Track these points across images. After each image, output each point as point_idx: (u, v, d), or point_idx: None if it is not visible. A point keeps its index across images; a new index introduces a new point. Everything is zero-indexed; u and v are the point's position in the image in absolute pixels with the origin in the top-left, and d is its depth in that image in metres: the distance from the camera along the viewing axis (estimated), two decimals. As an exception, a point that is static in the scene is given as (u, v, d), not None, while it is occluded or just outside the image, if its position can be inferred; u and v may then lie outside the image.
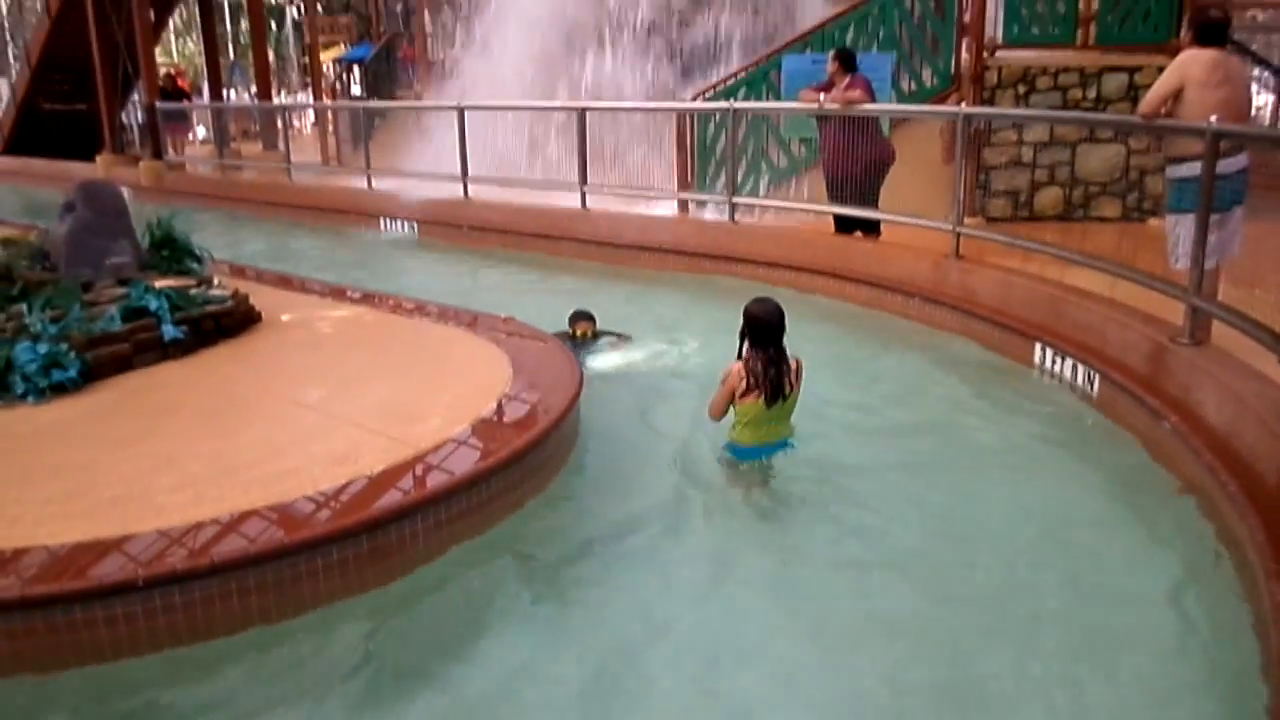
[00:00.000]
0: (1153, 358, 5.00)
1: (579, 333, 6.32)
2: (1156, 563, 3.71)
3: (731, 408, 4.46)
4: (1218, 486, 3.88)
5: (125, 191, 6.95)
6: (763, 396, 4.34)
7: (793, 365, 4.45)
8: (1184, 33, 5.47)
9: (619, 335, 6.52)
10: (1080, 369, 5.45)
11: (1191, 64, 5.09)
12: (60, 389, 4.70)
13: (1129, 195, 8.87)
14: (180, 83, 20.75)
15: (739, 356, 4.44)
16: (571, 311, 6.48)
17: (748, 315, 4.44)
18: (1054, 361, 5.69)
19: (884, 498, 4.27)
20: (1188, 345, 4.81)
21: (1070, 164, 8.89)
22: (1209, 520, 3.93)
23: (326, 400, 4.61)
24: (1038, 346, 5.83)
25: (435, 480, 3.69)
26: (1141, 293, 5.44)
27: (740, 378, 4.35)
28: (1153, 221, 8.33)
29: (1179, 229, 5.10)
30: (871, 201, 8.02)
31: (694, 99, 10.21)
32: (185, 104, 19.20)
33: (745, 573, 3.69)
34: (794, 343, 4.51)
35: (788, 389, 4.41)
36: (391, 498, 3.54)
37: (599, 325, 6.46)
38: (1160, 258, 5.36)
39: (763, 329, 4.39)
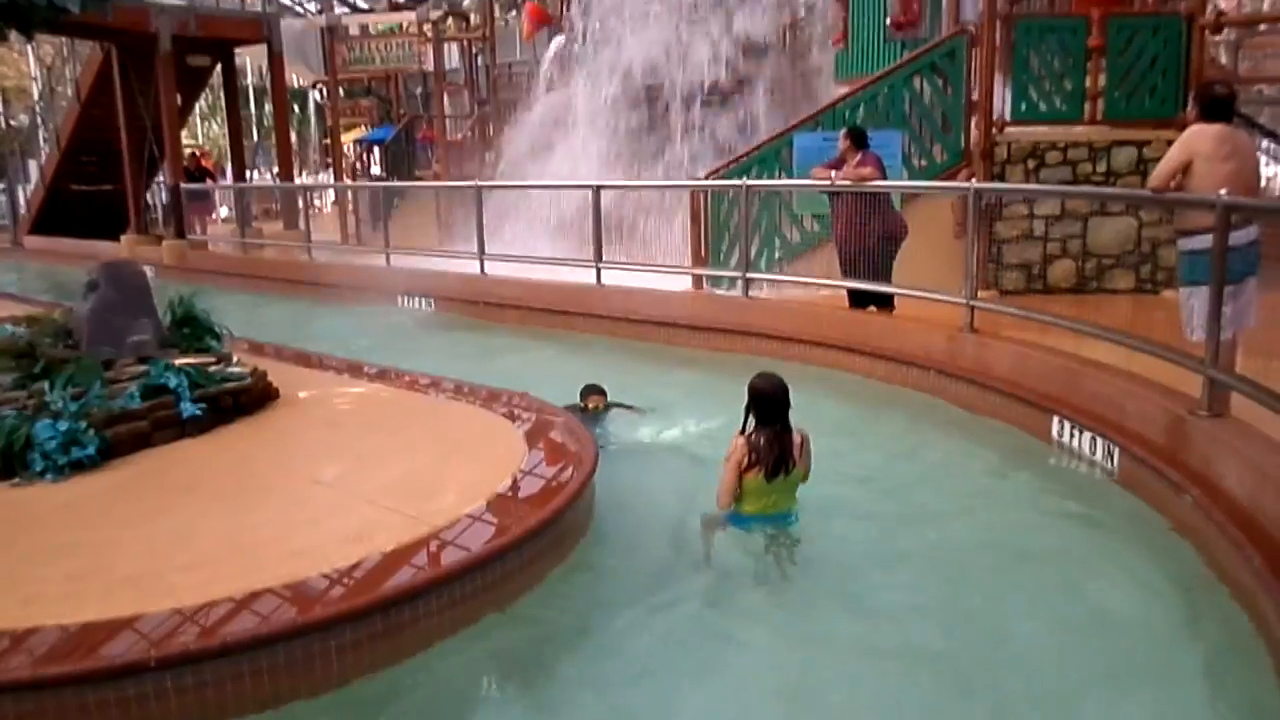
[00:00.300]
0: (1172, 430, 4.96)
1: (590, 405, 6.33)
2: (1184, 641, 3.64)
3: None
4: (1242, 561, 3.81)
5: (148, 269, 7.05)
6: (763, 472, 4.34)
7: (797, 440, 4.45)
8: (1190, 108, 5.52)
9: (630, 408, 6.52)
10: (1099, 442, 5.40)
11: (1198, 139, 5.13)
12: (79, 466, 4.73)
13: (1142, 267, 8.89)
14: (205, 163, 21.19)
15: (743, 431, 4.46)
16: (583, 385, 6.50)
17: (752, 390, 4.47)
18: (1072, 434, 5.65)
19: (894, 574, 4.22)
20: (1207, 417, 4.77)
21: (1082, 237, 8.93)
22: (1234, 595, 3.86)
23: (343, 478, 4.63)
24: (1055, 420, 5.79)
25: (450, 558, 3.68)
26: (1158, 364, 5.40)
27: (744, 452, 4.37)
28: (1167, 293, 8.32)
29: (1193, 301, 5.10)
30: (885, 276, 8.06)
31: (707, 176, 10.36)
32: (208, 184, 19.59)
33: (752, 650, 3.66)
34: (806, 417, 4.51)
35: (790, 465, 4.41)
36: (406, 576, 3.52)
37: (611, 398, 6.48)
38: (1176, 329, 5.35)
39: (767, 404, 4.41)
